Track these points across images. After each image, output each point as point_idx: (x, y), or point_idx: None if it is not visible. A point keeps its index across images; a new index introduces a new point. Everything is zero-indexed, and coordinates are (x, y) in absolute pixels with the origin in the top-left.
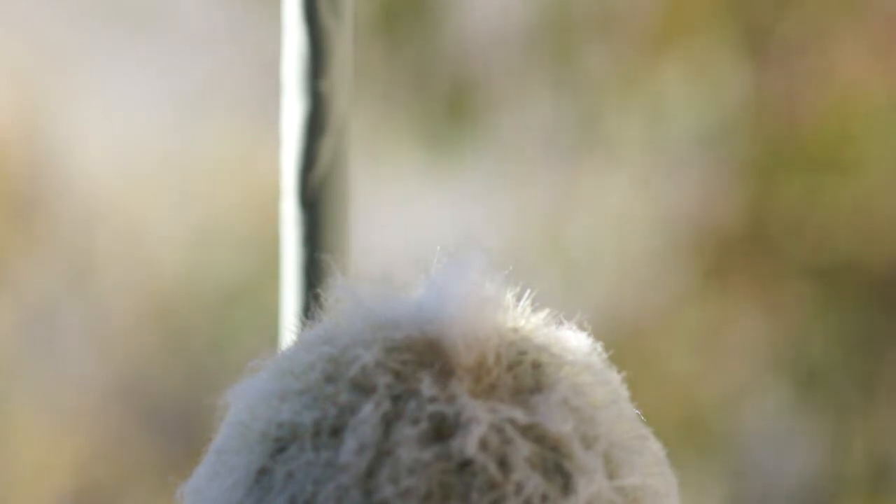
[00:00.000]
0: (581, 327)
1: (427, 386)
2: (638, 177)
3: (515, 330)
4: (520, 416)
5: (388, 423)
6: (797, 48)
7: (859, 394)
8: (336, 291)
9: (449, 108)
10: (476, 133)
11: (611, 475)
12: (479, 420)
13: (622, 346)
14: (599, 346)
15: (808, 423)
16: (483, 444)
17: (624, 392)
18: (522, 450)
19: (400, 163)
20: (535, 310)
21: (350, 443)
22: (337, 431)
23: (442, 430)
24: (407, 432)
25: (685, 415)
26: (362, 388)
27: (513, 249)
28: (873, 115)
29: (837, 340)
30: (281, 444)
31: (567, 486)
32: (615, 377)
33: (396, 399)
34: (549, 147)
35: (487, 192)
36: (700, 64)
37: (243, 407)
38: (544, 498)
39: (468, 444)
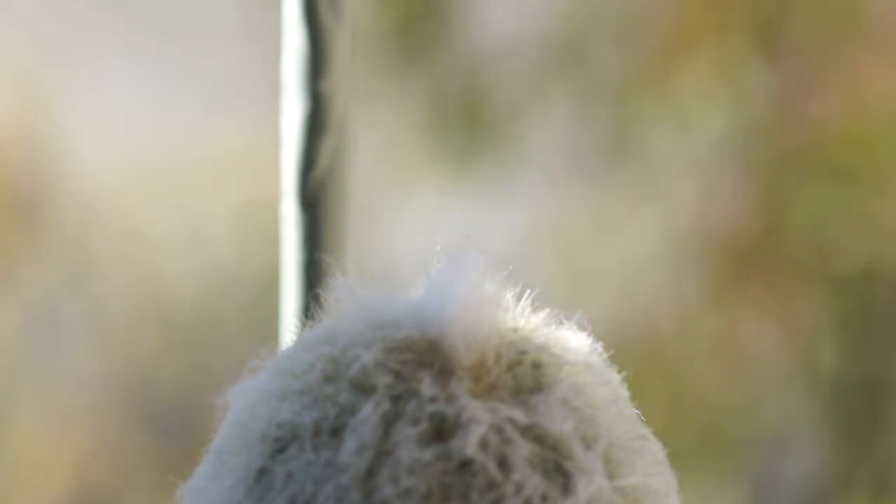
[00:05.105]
0: (581, 327)
1: (427, 386)
2: (655, 185)
3: (515, 330)
4: (520, 416)
5: (388, 423)
6: (816, 58)
7: (874, 400)
8: (336, 291)
9: (465, 116)
10: (491, 141)
11: (611, 475)
12: (479, 420)
13: (637, 353)
14: (599, 346)
15: (823, 428)
16: (483, 444)
17: (624, 392)
18: (522, 450)
19: (415, 171)
20: (535, 310)
21: (350, 443)
22: (337, 431)
23: (442, 430)
24: (407, 432)
25: (701, 421)
26: (362, 388)
27: (525, 256)
28: (889, 124)
29: (851, 347)
30: (281, 444)
31: (567, 486)
32: (615, 377)
33: (396, 399)
34: (564, 154)
35: (502, 199)
36: (718, 73)
37: (243, 407)
38: (544, 498)
39: (468, 444)
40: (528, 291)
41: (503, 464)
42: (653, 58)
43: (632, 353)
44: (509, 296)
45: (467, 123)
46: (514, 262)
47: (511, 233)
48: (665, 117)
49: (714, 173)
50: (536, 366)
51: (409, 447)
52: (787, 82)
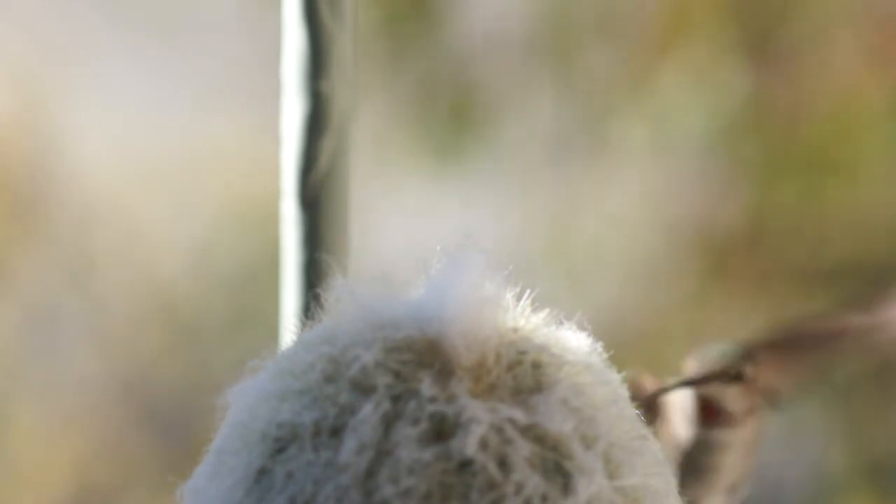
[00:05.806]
0: (581, 327)
1: (427, 386)
2: (640, 180)
3: (515, 330)
4: (520, 416)
5: (388, 423)
6: (797, 52)
7: (865, 393)
8: (336, 291)
9: (452, 112)
10: (479, 137)
11: (611, 475)
12: (479, 420)
13: (626, 348)
14: (599, 346)
15: (813, 423)
16: (483, 445)
17: (624, 392)
18: (522, 450)
19: (404, 167)
20: (535, 310)
21: (350, 443)
22: (337, 431)
23: (442, 431)
24: (407, 432)
25: None
26: (362, 388)
27: (517, 252)
28: (872, 119)
29: None
30: (281, 444)
31: (567, 486)
32: (615, 377)
33: (396, 399)
34: (552, 150)
35: (491, 195)
36: (701, 68)
37: (243, 407)
38: (544, 498)
39: (468, 444)
40: (529, 291)
41: (503, 464)
42: (638, 52)
43: (621, 348)
44: (509, 296)
45: (456, 119)
46: (513, 259)
47: (510, 231)
48: (651, 113)
49: (700, 169)
50: (536, 366)
51: (409, 447)
52: (772, 78)
